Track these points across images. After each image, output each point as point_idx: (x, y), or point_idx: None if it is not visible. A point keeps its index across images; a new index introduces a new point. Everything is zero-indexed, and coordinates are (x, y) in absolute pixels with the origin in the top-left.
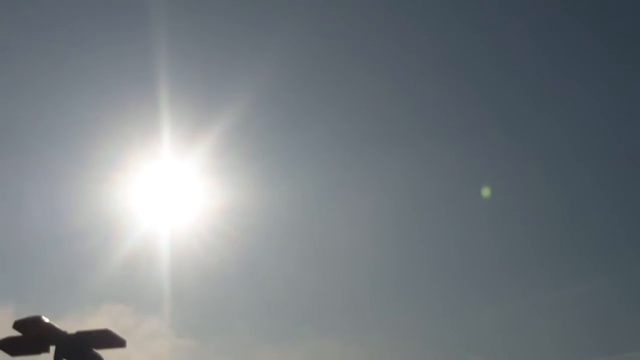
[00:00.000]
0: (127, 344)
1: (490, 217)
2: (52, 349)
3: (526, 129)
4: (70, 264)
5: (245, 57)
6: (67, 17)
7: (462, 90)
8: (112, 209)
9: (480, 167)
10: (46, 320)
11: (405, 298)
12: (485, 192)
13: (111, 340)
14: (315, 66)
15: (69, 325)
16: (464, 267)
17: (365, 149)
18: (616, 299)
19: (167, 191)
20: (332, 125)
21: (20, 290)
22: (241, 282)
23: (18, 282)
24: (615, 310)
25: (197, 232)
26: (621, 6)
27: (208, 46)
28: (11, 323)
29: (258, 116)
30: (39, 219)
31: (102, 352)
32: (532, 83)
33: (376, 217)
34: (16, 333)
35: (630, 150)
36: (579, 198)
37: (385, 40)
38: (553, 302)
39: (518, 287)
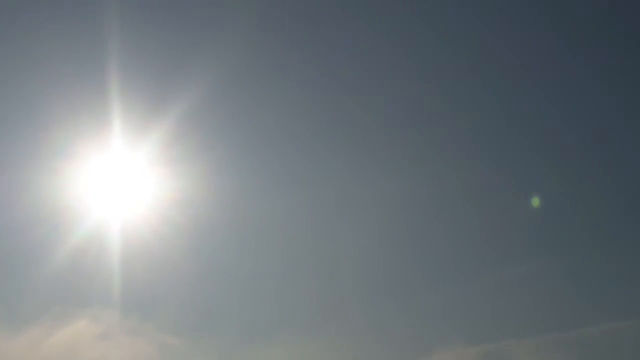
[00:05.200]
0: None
1: (437, 204)
2: None
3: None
4: (18, 255)
5: (197, 48)
6: (15, 8)
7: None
8: (61, 199)
9: (419, 155)
10: None
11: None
12: (535, 202)
13: None
14: (267, 56)
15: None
16: (412, 254)
17: (320, 140)
18: (561, 277)
19: (117, 182)
20: (285, 115)
21: None
22: (194, 274)
23: None
24: (559, 288)
25: (149, 223)
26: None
27: (160, 36)
28: None
29: (210, 107)
30: None
31: None
32: None
33: (330, 208)
34: None
35: (575, 128)
36: (522, 179)
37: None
38: (500, 282)
39: (465, 270)
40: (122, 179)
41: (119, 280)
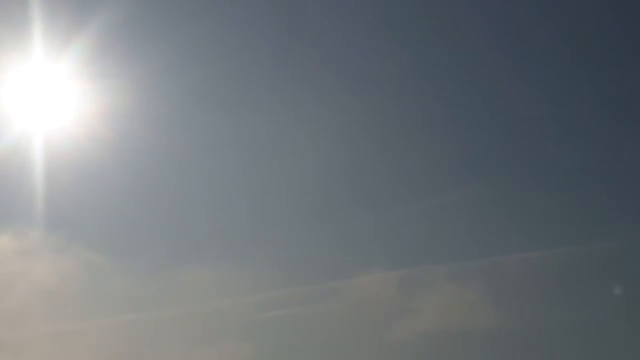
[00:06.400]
0: None
1: (366, 132)
2: None
3: None
4: None
5: None
6: None
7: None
8: None
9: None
10: None
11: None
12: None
13: None
14: None
15: None
16: (338, 180)
17: (254, 57)
18: (491, 203)
19: (40, 93)
20: (215, 28)
21: None
22: (121, 191)
23: None
24: (481, 216)
25: (73, 137)
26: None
27: None
28: None
29: (138, 18)
30: None
31: None
32: None
33: (261, 129)
34: None
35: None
36: (455, 103)
37: None
38: (431, 207)
39: (397, 194)
40: (45, 90)
41: (42, 196)
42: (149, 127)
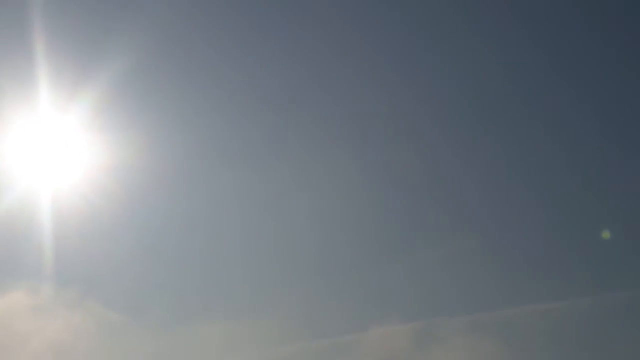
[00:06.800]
0: None
1: (374, 183)
2: None
3: None
4: None
5: (129, 8)
6: None
7: None
8: None
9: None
10: None
11: None
12: (605, 235)
13: None
14: (203, 20)
15: None
16: (345, 233)
17: (265, 107)
18: (493, 257)
19: (48, 148)
20: (223, 82)
21: None
22: (130, 245)
23: None
24: (491, 268)
25: (79, 191)
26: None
27: None
28: None
29: (144, 71)
30: None
31: None
32: None
33: (267, 186)
34: None
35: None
36: (469, 154)
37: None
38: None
39: (411, 245)
40: (53, 144)
41: (53, 252)
42: (157, 181)
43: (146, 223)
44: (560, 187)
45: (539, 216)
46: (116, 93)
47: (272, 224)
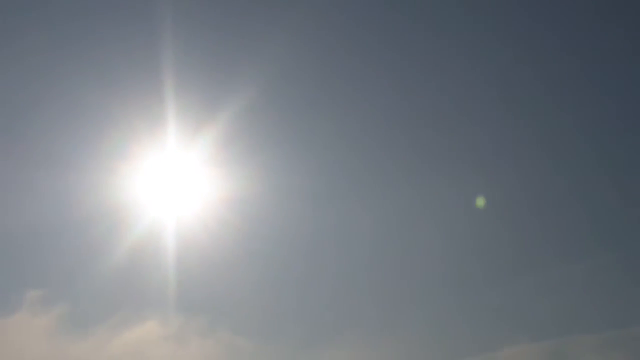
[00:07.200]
0: None
1: (500, 204)
2: None
3: None
4: (76, 255)
5: (250, 49)
6: (74, 13)
7: None
8: (117, 199)
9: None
10: None
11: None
12: (480, 202)
13: None
14: (320, 59)
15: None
16: (475, 253)
17: (374, 141)
18: (626, 273)
19: (172, 181)
20: (337, 119)
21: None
22: (254, 274)
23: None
24: (624, 284)
25: (203, 222)
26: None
27: (213, 38)
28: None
29: (263, 108)
30: (46, 209)
31: None
32: None
33: (389, 209)
34: None
35: None
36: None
37: (388, 36)
38: (562, 277)
39: (528, 267)
40: (178, 178)
41: (182, 282)
42: (278, 212)
43: (270, 252)
44: None
45: None
46: (237, 129)
47: (399, 248)
